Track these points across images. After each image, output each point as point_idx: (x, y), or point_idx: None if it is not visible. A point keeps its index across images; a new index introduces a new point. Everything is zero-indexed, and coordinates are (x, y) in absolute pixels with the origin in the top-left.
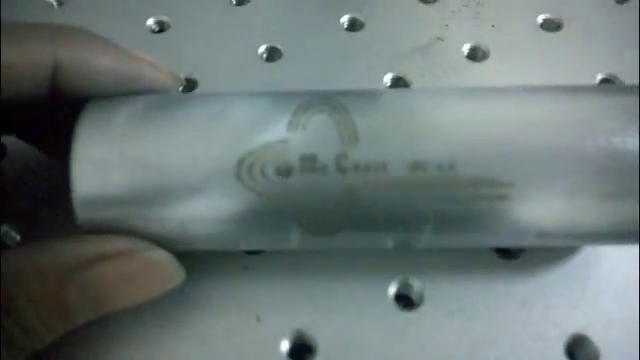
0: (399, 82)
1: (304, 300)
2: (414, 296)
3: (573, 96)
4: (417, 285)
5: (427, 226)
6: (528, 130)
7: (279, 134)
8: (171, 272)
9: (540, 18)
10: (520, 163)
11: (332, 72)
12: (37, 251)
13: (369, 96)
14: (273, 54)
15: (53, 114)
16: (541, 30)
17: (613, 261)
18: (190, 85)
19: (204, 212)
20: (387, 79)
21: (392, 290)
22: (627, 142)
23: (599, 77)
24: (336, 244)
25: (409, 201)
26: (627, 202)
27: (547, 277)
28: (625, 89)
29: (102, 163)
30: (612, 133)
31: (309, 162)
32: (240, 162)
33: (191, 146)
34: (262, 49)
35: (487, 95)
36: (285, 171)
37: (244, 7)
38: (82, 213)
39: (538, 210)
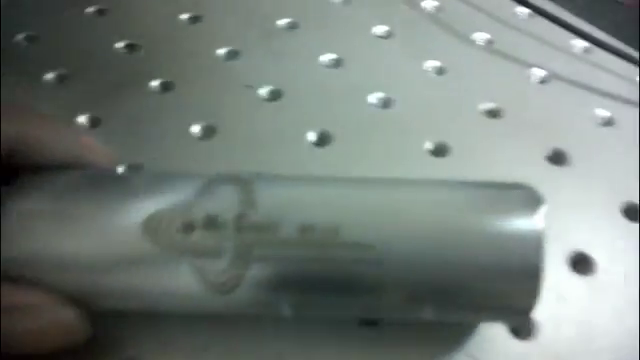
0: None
1: None
2: None
3: (459, 189)
4: None
5: (314, 287)
6: (403, 206)
7: (187, 198)
8: (76, 330)
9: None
10: (392, 233)
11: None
12: None
13: (274, 175)
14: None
15: (10, 173)
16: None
17: None
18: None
19: (112, 268)
20: None
21: None
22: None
23: None
24: (235, 305)
25: (298, 261)
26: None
27: None
28: (499, 185)
29: (25, 222)
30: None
31: (211, 221)
32: (149, 219)
33: (104, 205)
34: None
35: (373, 181)
36: (189, 228)
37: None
38: (3, 263)
39: (416, 280)
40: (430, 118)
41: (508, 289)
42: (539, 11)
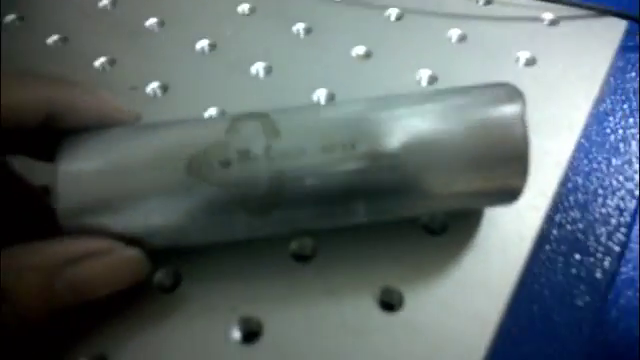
0: None
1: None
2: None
3: (446, 94)
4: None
5: (345, 198)
6: (412, 114)
7: (219, 137)
8: (140, 267)
9: None
10: (406, 138)
11: None
12: (32, 251)
13: (286, 108)
14: None
15: (46, 138)
16: None
17: None
18: None
19: (163, 207)
20: None
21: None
22: (491, 120)
23: None
24: (275, 225)
25: (324, 177)
26: (498, 167)
27: None
28: (485, 88)
29: (79, 179)
30: (479, 115)
31: (244, 155)
32: (190, 160)
33: (148, 154)
34: None
35: (380, 98)
36: (226, 163)
37: None
38: (64, 220)
39: (423, 176)
40: (312, 72)
41: (504, 171)
42: None
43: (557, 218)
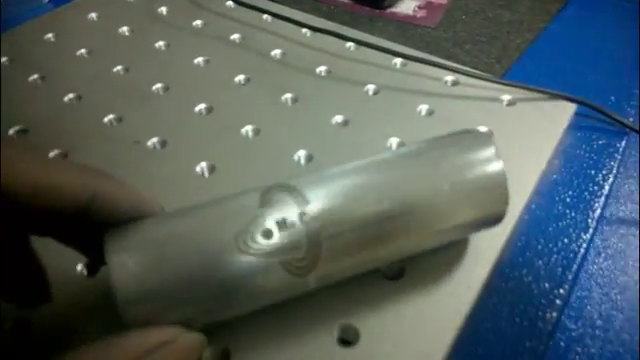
0: None
1: None
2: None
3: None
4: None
5: (370, 247)
6: (408, 177)
7: (255, 211)
8: (201, 348)
9: None
10: (414, 200)
11: None
12: (111, 347)
13: (308, 177)
14: None
15: (83, 226)
16: None
17: None
18: None
19: (217, 287)
20: None
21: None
22: (475, 162)
23: None
24: (313, 282)
25: (353, 234)
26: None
27: None
28: (460, 135)
29: (133, 270)
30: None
31: (282, 223)
32: (236, 237)
33: (195, 238)
34: None
35: (378, 161)
36: (268, 234)
37: None
38: (125, 310)
39: (432, 221)
40: (295, 135)
41: (489, 200)
42: (365, 44)
43: (506, 270)
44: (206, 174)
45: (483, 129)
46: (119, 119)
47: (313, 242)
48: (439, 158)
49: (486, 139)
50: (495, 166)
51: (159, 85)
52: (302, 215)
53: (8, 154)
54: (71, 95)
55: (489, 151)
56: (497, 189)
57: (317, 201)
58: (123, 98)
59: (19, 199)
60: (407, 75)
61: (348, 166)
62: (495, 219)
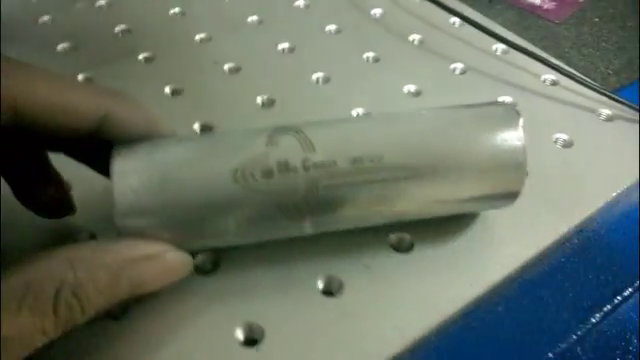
0: None
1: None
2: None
3: (458, 110)
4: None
5: (368, 204)
6: (424, 132)
7: (260, 149)
8: (187, 267)
9: None
10: (423, 153)
11: None
12: (100, 250)
13: (317, 122)
14: None
15: (95, 145)
16: None
17: None
18: None
19: (210, 214)
20: None
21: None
22: (495, 131)
23: None
24: (307, 227)
25: (354, 186)
26: (501, 174)
27: None
28: (493, 105)
29: (133, 185)
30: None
31: (283, 166)
32: (235, 170)
33: (197, 164)
34: None
35: (401, 114)
36: (268, 173)
37: None
38: (120, 220)
39: (439, 185)
40: (361, 94)
41: (505, 177)
42: (467, 20)
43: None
44: (261, 106)
45: (562, 137)
46: (209, 39)
47: (310, 190)
48: (459, 122)
49: (515, 115)
50: (515, 140)
51: (254, 18)
52: (305, 161)
53: (26, 74)
54: (177, 9)
55: (514, 123)
56: (513, 162)
57: (324, 150)
58: (218, 22)
59: (35, 117)
60: (503, 64)
61: (367, 118)
62: (508, 195)
